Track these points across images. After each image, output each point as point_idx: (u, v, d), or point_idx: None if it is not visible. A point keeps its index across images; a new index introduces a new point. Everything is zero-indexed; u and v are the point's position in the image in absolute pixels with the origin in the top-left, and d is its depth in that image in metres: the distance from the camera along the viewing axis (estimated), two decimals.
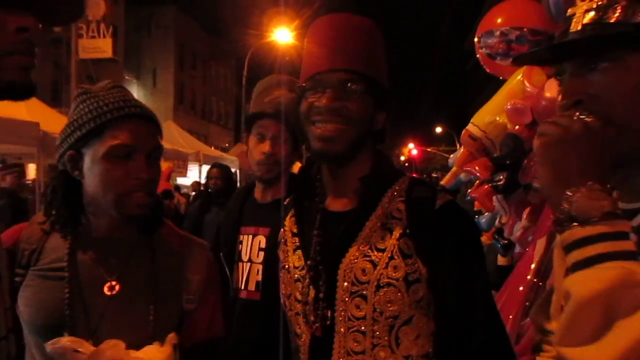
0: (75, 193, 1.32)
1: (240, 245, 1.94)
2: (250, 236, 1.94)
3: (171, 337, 1.27)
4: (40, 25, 0.92)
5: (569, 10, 0.93)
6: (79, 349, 1.16)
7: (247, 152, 1.99)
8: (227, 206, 2.14)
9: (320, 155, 1.28)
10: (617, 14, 0.85)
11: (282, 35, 19.90)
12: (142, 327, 1.27)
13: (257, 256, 1.90)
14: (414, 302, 1.19)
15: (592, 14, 0.87)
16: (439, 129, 46.44)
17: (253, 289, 1.88)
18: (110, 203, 1.28)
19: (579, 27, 0.88)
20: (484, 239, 3.23)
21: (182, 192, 12.17)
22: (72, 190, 1.32)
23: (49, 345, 1.15)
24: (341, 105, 1.22)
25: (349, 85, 1.22)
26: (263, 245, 1.89)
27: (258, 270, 1.88)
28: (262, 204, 1.97)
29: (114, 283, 1.30)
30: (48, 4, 0.94)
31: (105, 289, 1.29)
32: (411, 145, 49.08)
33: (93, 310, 1.26)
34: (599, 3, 0.88)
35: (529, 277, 2.12)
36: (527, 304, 2.11)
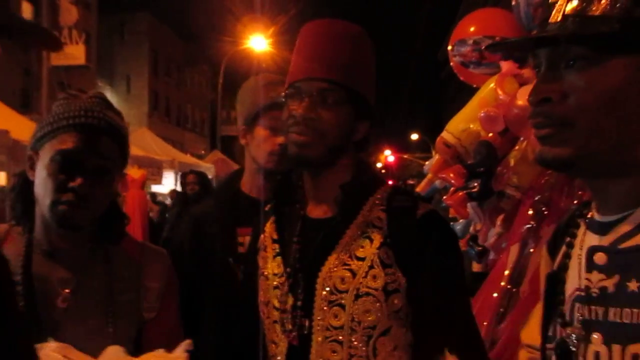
0: (30, 193, 1.31)
1: (241, 247, 1.81)
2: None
3: (187, 343, 1.24)
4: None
5: None
6: (67, 356, 1.13)
7: (247, 144, 1.88)
8: (217, 204, 1.96)
9: (295, 161, 1.28)
10: (602, 5, 0.77)
11: (258, 42, 19.90)
12: (100, 337, 1.25)
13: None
14: (392, 313, 1.19)
15: (574, 3, 0.80)
16: (414, 136, 46.81)
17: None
18: (45, 210, 1.26)
19: (559, 18, 0.81)
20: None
21: (157, 200, 12.01)
22: (29, 190, 1.31)
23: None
24: (316, 115, 1.22)
25: (326, 94, 1.22)
26: (247, 249, 1.77)
27: None
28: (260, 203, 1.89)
29: (67, 295, 1.28)
30: (15, 32, 0.84)
31: (59, 301, 1.27)
32: (387, 152, 49.38)
33: (48, 323, 1.24)
34: None
35: (502, 283, 2.15)
36: (500, 310, 2.14)
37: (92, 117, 1.28)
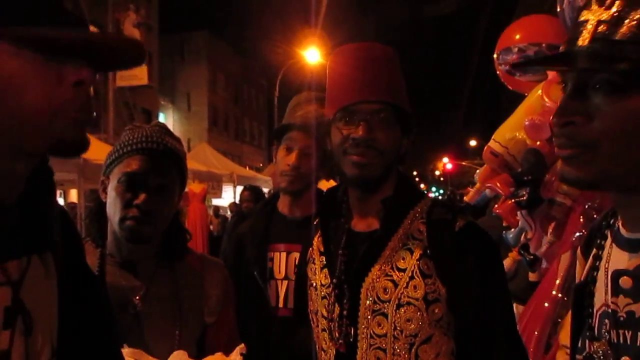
0: (103, 212, 1.47)
1: (271, 263, 1.89)
2: (284, 253, 1.89)
3: (241, 347, 1.35)
4: (97, 76, 0.87)
5: (583, 14, 0.81)
6: (140, 359, 1.24)
7: (275, 162, 1.97)
8: (252, 222, 2.05)
9: (355, 181, 1.33)
10: (631, 28, 0.75)
11: (311, 55, 20.11)
12: (168, 341, 1.37)
13: (294, 273, 1.85)
14: (433, 321, 1.23)
15: (603, 26, 0.77)
16: (473, 142, 45.85)
17: (292, 307, 1.84)
18: (115, 226, 1.41)
19: (587, 42, 0.78)
20: (514, 254, 3.22)
21: (219, 213, 12.35)
22: (102, 210, 1.47)
23: None
24: (374, 136, 1.27)
25: (380, 116, 1.28)
26: (299, 261, 1.86)
27: None
28: (291, 220, 1.93)
29: (138, 301, 1.41)
30: (108, 53, 0.87)
31: (130, 308, 1.40)
32: (445, 160, 48.60)
33: (121, 329, 1.34)
34: (615, 13, 0.77)
35: (553, 292, 2.12)
36: (553, 319, 2.11)
37: (152, 142, 1.43)
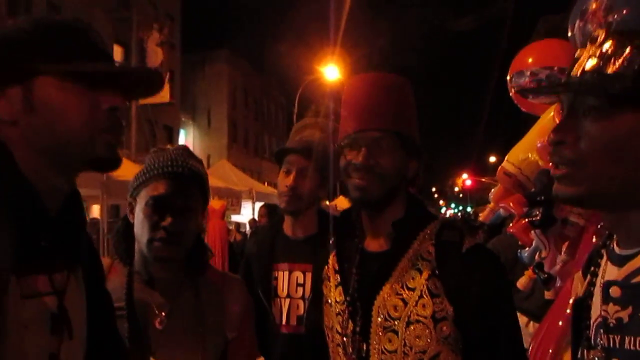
0: (131, 232, 1.55)
1: (275, 282, 1.98)
2: (287, 272, 1.98)
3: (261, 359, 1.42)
4: (127, 103, 1.01)
5: (577, 52, 0.95)
6: None
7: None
8: (257, 242, 2.16)
9: (357, 203, 1.42)
10: (618, 64, 0.87)
11: (330, 71, 20.27)
12: (192, 354, 1.44)
13: (296, 292, 1.95)
14: (441, 339, 1.28)
15: (594, 61, 0.89)
16: (492, 159, 45.51)
17: (295, 324, 1.94)
18: (143, 246, 1.48)
19: (579, 73, 0.91)
20: (529, 273, 3.24)
21: (239, 229, 12.46)
22: (130, 230, 1.55)
23: None
24: (374, 162, 1.36)
25: (381, 143, 1.36)
26: (301, 281, 1.95)
27: (298, 305, 1.94)
28: (294, 241, 2.02)
29: (163, 318, 1.48)
30: (133, 82, 1.02)
31: (157, 323, 1.47)
32: (465, 176, 48.32)
33: (147, 342, 1.44)
34: (603, 51, 0.89)
35: (568, 311, 2.14)
36: (567, 337, 2.13)
37: (177, 166, 1.51)
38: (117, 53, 20.10)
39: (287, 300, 1.96)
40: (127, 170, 9.00)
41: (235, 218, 15.69)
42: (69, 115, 0.93)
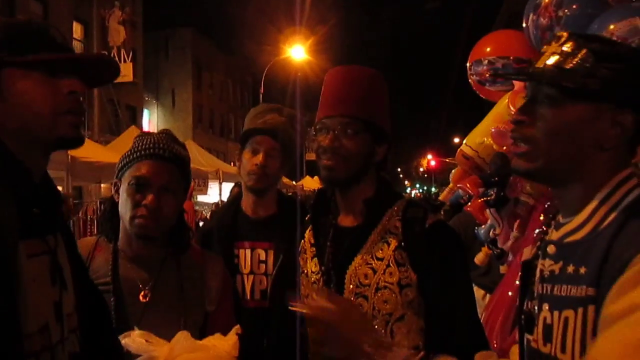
0: (116, 212, 1.65)
1: (237, 259, 2.06)
2: (248, 250, 2.07)
3: (237, 328, 1.52)
4: (85, 87, 1.15)
5: (544, 47, 1.10)
6: (148, 340, 1.39)
7: (239, 166, 2.15)
8: (217, 221, 2.22)
9: (325, 181, 1.57)
10: (575, 62, 1.02)
11: (297, 51, 20.20)
12: (174, 326, 1.52)
13: (259, 268, 2.05)
14: (405, 303, 1.44)
15: (555, 57, 1.05)
16: (456, 140, 46.27)
17: (259, 298, 2.03)
18: (126, 223, 1.59)
19: (542, 65, 1.06)
20: (486, 249, 3.45)
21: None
22: (115, 210, 1.65)
23: (122, 338, 1.38)
24: (339, 144, 1.50)
25: (346, 127, 1.50)
26: (263, 258, 2.06)
27: (261, 281, 2.04)
28: (255, 221, 2.11)
29: (147, 292, 1.58)
30: (89, 69, 1.16)
31: (141, 297, 1.57)
32: (430, 157, 49.01)
33: (132, 315, 1.54)
34: (563, 50, 1.05)
35: (517, 282, 2.33)
36: (516, 305, 2.33)
37: (159, 148, 1.61)
38: (77, 31, 19.47)
39: (251, 277, 2.05)
40: (91, 151, 8.90)
41: (201, 198, 15.62)
42: (34, 100, 1.06)
